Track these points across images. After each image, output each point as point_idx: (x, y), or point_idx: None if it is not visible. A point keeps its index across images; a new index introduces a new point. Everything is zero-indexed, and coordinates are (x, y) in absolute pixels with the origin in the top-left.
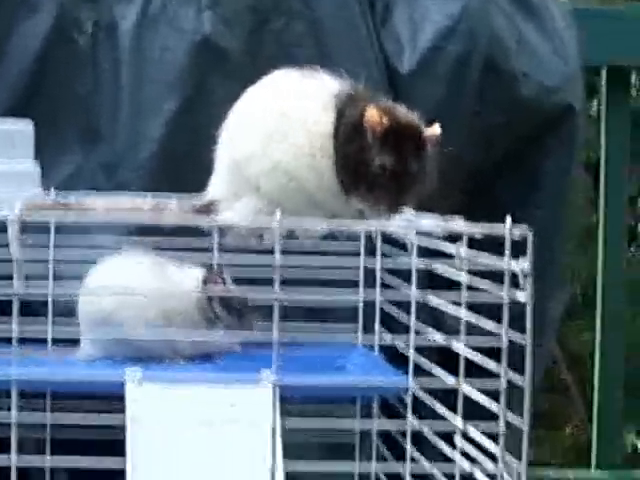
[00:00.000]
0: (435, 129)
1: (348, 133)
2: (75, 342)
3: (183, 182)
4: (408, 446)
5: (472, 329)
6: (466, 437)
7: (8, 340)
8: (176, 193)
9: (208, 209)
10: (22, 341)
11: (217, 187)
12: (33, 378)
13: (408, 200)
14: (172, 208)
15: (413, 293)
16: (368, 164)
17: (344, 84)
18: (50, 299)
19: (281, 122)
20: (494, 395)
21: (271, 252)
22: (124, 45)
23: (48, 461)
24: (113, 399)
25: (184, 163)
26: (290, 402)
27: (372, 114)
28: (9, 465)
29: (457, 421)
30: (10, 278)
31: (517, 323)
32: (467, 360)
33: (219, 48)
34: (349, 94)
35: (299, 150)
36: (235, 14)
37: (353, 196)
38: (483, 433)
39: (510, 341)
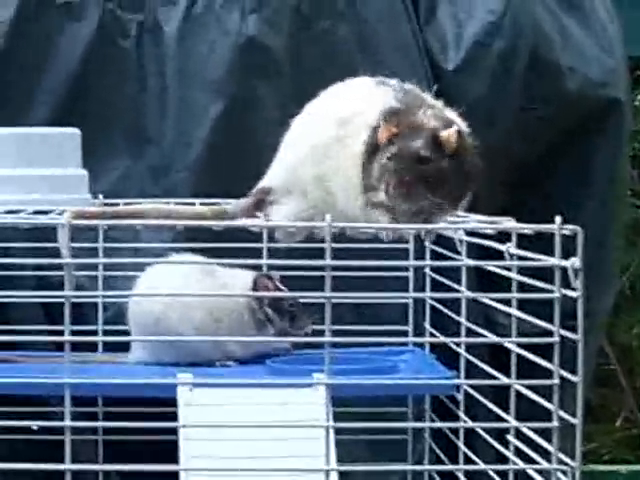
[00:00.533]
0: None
1: (369, 151)
2: (126, 346)
3: (229, 182)
4: (461, 445)
5: (521, 325)
6: (518, 435)
7: (59, 345)
8: (223, 193)
9: (262, 196)
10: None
11: (274, 176)
12: (85, 383)
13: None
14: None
15: (463, 292)
16: (386, 179)
17: (397, 94)
18: (100, 303)
19: (331, 136)
20: (545, 391)
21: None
22: (169, 48)
23: (101, 467)
24: (165, 402)
25: (230, 163)
26: (342, 402)
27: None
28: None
29: (510, 419)
30: (61, 283)
31: (567, 319)
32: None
33: (263, 49)
34: (393, 109)
35: (339, 167)
36: (279, 16)
37: (378, 211)
38: (532, 430)
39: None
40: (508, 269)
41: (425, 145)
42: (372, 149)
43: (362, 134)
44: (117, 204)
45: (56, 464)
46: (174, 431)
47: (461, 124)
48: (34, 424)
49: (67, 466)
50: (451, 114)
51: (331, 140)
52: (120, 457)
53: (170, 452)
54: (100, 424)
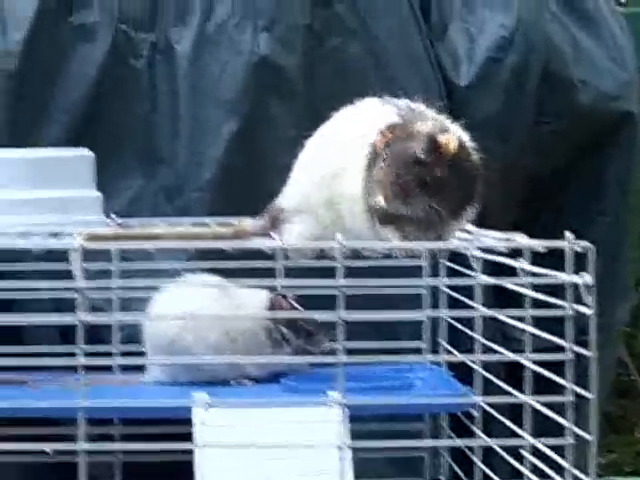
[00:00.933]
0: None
1: (369, 163)
2: (141, 367)
3: (243, 202)
4: (478, 461)
5: (536, 341)
6: (534, 451)
7: (74, 368)
8: (236, 212)
9: (276, 215)
10: (88, 368)
11: (288, 197)
12: (100, 406)
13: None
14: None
15: (477, 309)
16: (383, 183)
17: (400, 112)
18: (115, 325)
19: (341, 160)
20: (561, 407)
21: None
22: (181, 68)
23: None
24: (180, 423)
25: (244, 183)
26: (358, 420)
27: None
28: None
29: (525, 436)
30: (74, 306)
31: (581, 334)
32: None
33: (276, 68)
34: (391, 123)
35: (345, 190)
36: (291, 34)
37: (385, 230)
38: (548, 447)
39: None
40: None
41: (422, 148)
42: (372, 160)
43: (365, 153)
44: (131, 225)
45: None
46: (190, 451)
47: (463, 135)
48: (48, 447)
49: None
50: (453, 126)
51: (337, 164)
52: (135, 477)
53: (185, 472)
54: (117, 446)
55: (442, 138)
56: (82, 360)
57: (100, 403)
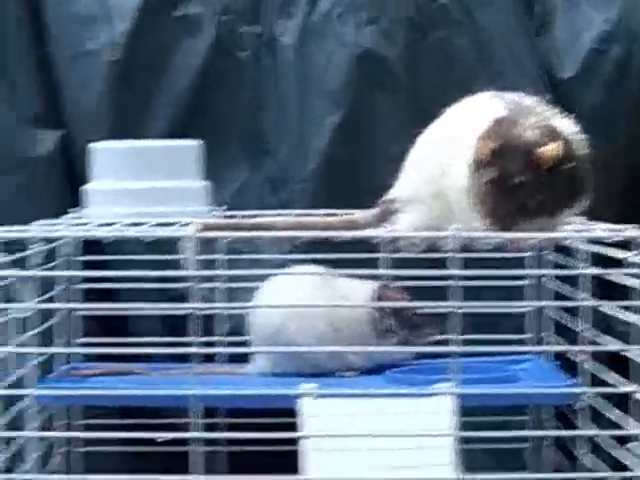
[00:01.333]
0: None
1: (472, 169)
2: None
3: (346, 193)
4: (582, 455)
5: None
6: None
7: (177, 357)
8: (339, 204)
9: (388, 208)
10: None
11: (399, 189)
12: (210, 395)
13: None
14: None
15: (584, 301)
16: (482, 207)
17: (508, 105)
18: (223, 316)
19: (449, 154)
20: None
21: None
22: (286, 60)
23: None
24: (280, 414)
25: (347, 174)
26: (465, 411)
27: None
28: None
29: (632, 426)
30: (181, 296)
31: None
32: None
33: (380, 60)
34: (496, 121)
35: (453, 184)
36: (395, 26)
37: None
38: None
39: None
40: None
41: (520, 167)
42: (476, 166)
43: (471, 151)
44: (235, 216)
45: (185, 476)
46: (292, 442)
47: (570, 132)
48: (162, 436)
49: (196, 477)
50: (561, 122)
51: (445, 159)
52: (238, 469)
53: (287, 464)
54: (228, 435)
55: (545, 151)
56: (195, 349)
57: (213, 391)
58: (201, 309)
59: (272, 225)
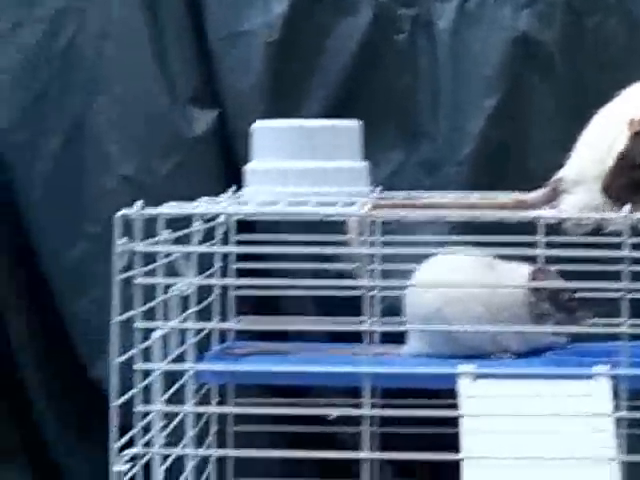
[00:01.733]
0: None
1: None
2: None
3: (501, 175)
4: None
5: None
6: None
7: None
8: (493, 186)
9: (557, 188)
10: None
11: (568, 169)
12: (387, 372)
13: None
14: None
15: None
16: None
17: None
18: (377, 296)
19: (612, 138)
20: None
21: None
22: (442, 43)
23: (377, 455)
24: (436, 395)
25: (503, 156)
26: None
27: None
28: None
29: None
30: (336, 274)
31: None
32: None
33: (536, 44)
34: None
35: (605, 165)
36: (551, 11)
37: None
38: None
39: None
40: None
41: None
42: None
43: (624, 135)
44: (391, 197)
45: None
46: (446, 422)
47: None
48: (334, 414)
49: (365, 455)
50: None
51: (608, 143)
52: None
53: (440, 445)
54: (405, 412)
55: None
56: (373, 328)
57: (386, 370)
58: (378, 287)
59: (444, 205)
